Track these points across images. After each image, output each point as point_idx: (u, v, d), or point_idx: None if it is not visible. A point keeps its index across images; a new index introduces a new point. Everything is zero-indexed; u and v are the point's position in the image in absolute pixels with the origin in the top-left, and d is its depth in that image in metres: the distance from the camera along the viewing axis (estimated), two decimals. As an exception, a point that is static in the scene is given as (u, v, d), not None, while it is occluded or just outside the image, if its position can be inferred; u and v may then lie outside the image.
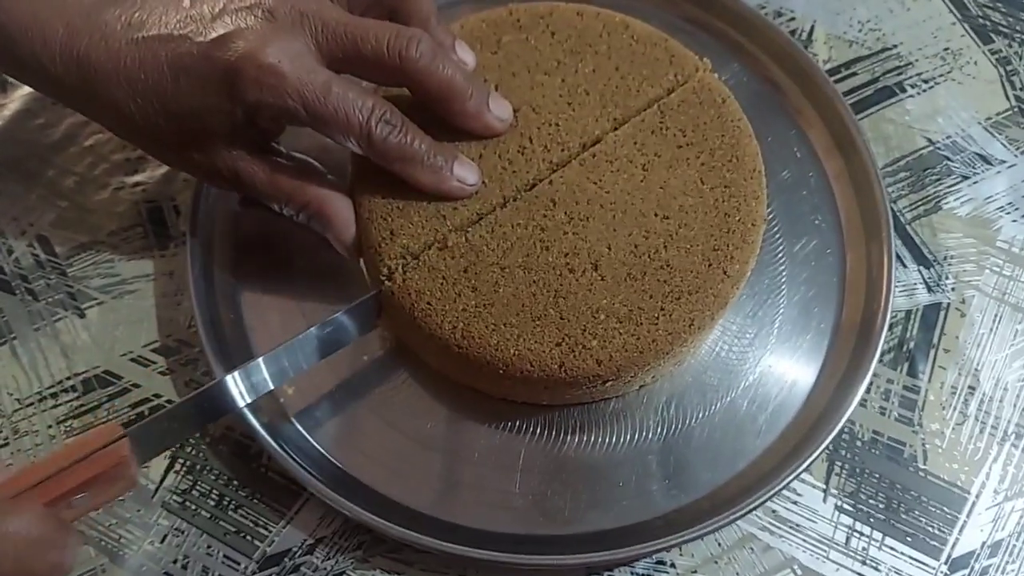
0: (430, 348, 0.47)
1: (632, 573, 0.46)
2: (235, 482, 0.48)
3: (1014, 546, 0.47)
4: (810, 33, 0.61)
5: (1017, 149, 0.58)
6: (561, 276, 0.45)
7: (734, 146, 0.48)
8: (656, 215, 0.47)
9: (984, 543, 0.47)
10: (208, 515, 0.48)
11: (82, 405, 0.50)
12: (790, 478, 0.46)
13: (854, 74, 0.60)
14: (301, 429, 0.48)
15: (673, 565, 0.47)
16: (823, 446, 0.47)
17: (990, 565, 0.47)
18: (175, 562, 0.47)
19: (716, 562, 0.47)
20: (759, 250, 0.48)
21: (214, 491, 0.48)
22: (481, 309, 0.45)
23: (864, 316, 0.51)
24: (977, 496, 0.48)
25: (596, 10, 0.52)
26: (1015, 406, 0.50)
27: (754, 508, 0.46)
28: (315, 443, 0.48)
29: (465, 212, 0.46)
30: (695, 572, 0.47)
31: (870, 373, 0.48)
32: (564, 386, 0.45)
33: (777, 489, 0.46)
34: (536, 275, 0.45)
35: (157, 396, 0.50)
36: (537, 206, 0.47)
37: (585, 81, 0.49)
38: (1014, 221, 0.55)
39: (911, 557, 0.47)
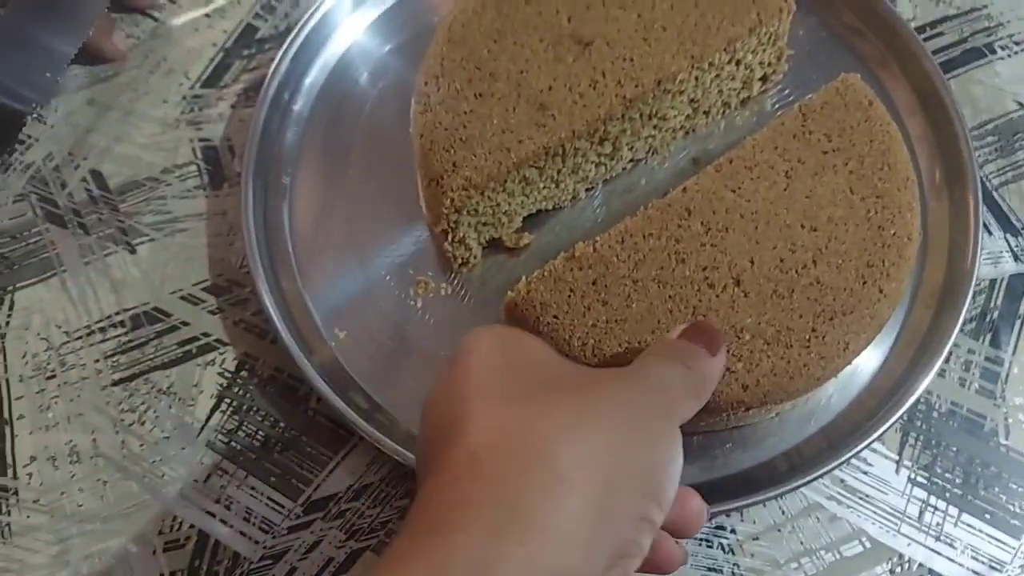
0: None
1: (690, 537, 0.44)
2: (282, 424, 0.47)
3: (1101, 530, 0.44)
4: (894, -10, 0.58)
5: (1114, 116, 0.54)
6: (699, 291, 0.41)
7: (884, 152, 0.45)
8: (803, 227, 0.43)
9: (1069, 525, 0.44)
10: (253, 456, 0.46)
11: (130, 341, 0.49)
12: (861, 447, 0.44)
13: (940, 34, 0.57)
14: (352, 375, 0.47)
15: (734, 531, 0.44)
16: (898, 415, 0.44)
17: (1075, 549, 0.44)
18: (218, 501, 0.45)
19: (779, 530, 0.44)
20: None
21: (260, 432, 0.47)
22: (612, 325, 0.41)
23: (946, 282, 0.48)
24: (1063, 476, 0.45)
25: None
26: (1106, 384, 0.47)
27: (821, 476, 0.43)
28: (365, 389, 0.47)
29: (531, 145, 0.44)
30: (756, 539, 0.44)
31: (950, 342, 0.45)
32: (702, 412, 0.40)
33: (847, 457, 0.43)
34: (672, 290, 0.41)
35: (206, 335, 0.49)
36: (670, 215, 0.43)
37: (662, 16, 0.47)
38: (1109, 191, 0.52)
39: (989, 535, 0.44)
